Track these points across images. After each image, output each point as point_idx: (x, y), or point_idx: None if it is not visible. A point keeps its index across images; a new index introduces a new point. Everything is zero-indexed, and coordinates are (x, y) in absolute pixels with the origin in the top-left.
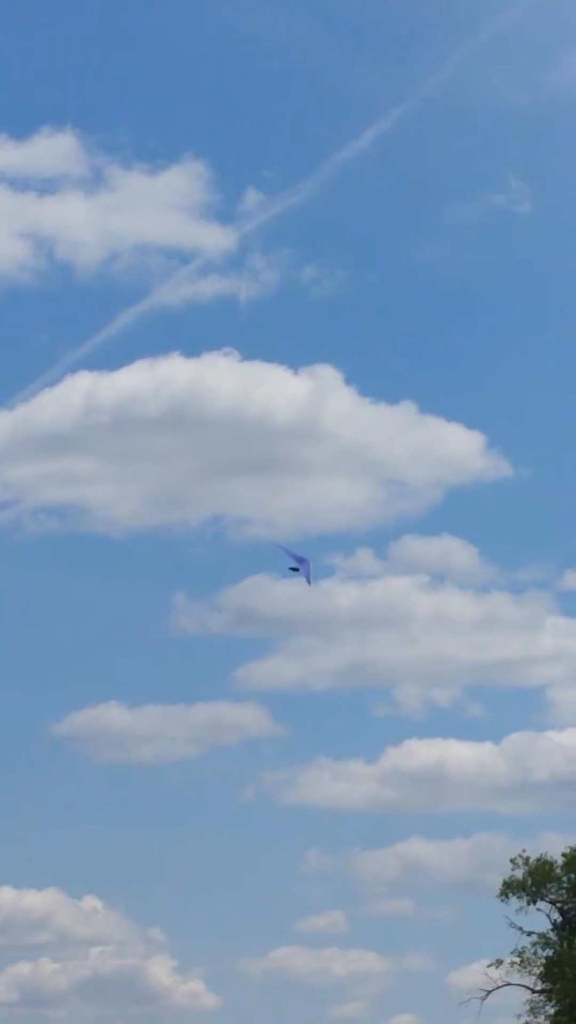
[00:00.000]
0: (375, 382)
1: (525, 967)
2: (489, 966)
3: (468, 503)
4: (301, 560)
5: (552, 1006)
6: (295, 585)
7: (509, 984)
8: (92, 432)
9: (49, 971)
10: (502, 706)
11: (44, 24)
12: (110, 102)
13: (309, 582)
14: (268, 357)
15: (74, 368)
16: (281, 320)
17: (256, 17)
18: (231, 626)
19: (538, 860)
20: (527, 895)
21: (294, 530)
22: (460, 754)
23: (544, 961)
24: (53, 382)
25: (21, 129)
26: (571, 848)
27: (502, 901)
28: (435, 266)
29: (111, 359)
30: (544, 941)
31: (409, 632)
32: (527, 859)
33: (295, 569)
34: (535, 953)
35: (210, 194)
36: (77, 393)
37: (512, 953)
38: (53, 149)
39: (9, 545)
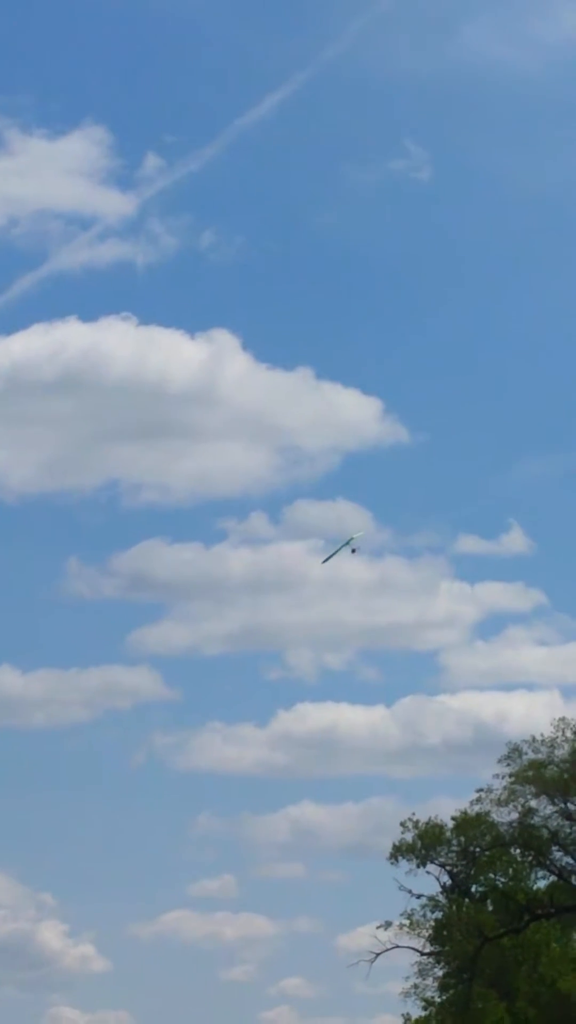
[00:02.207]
0: (272, 348)
1: (414, 929)
2: (378, 928)
3: (364, 469)
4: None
5: (440, 968)
6: (188, 550)
7: (398, 947)
8: None
9: None
10: (394, 670)
11: None
12: (10, 67)
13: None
14: (165, 322)
15: None
16: (179, 285)
17: None
18: (124, 591)
19: (428, 823)
20: (417, 858)
21: (189, 495)
22: (352, 718)
23: (433, 924)
24: None
25: None
26: (461, 812)
27: (392, 864)
28: (333, 232)
29: (7, 324)
30: (433, 904)
31: (302, 596)
32: (417, 822)
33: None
34: (424, 916)
35: (111, 159)
36: None
37: (401, 916)
38: None
39: None
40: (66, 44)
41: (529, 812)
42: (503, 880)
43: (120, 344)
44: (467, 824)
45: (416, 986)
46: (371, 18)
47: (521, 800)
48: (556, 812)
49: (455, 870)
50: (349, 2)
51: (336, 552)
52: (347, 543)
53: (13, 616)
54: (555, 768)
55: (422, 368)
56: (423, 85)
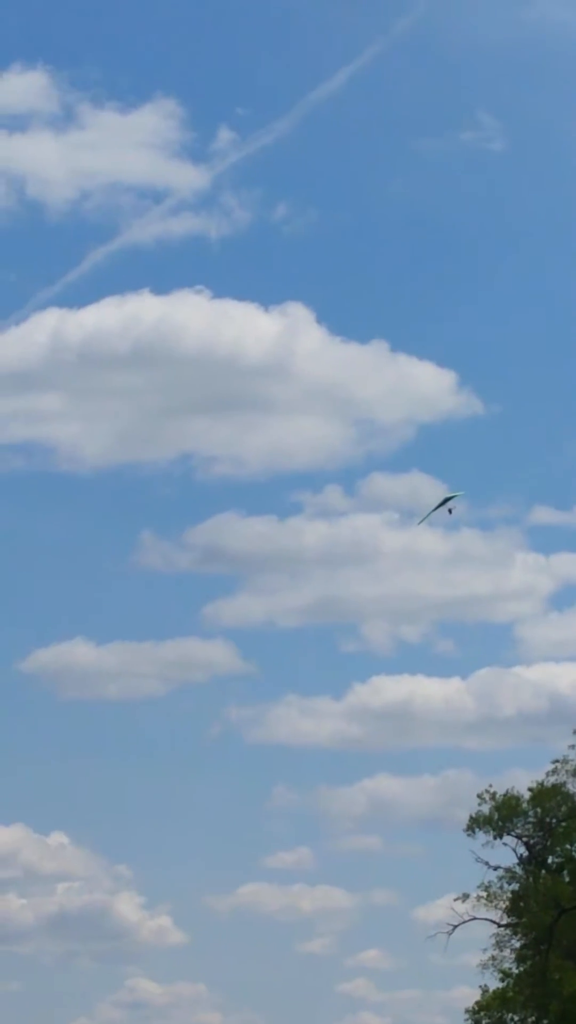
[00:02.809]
0: (346, 320)
1: (491, 901)
2: (455, 900)
3: (438, 441)
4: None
5: (517, 940)
6: (263, 522)
7: (475, 918)
8: (59, 369)
9: (16, 907)
10: (470, 642)
11: None
12: (82, 40)
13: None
14: (239, 295)
15: (44, 307)
16: (252, 258)
17: None
18: (199, 564)
19: (504, 795)
20: (493, 830)
21: (263, 468)
22: (428, 690)
23: (510, 895)
24: (20, 321)
25: None
26: (537, 783)
27: (469, 836)
28: (407, 204)
29: (81, 297)
30: (510, 875)
31: (377, 569)
32: (494, 794)
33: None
34: (501, 887)
35: (183, 133)
36: (44, 331)
37: (478, 887)
38: (24, 87)
39: None
40: (137, 17)
41: None
42: None
43: (193, 317)
44: (543, 795)
45: (493, 958)
46: None
47: None
48: None
49: (532, 841)
50: None
51: (433, 511)
52: (445, 501)
53: (88, 589)
54: None
55: (497, 340)
56: (495, 55)
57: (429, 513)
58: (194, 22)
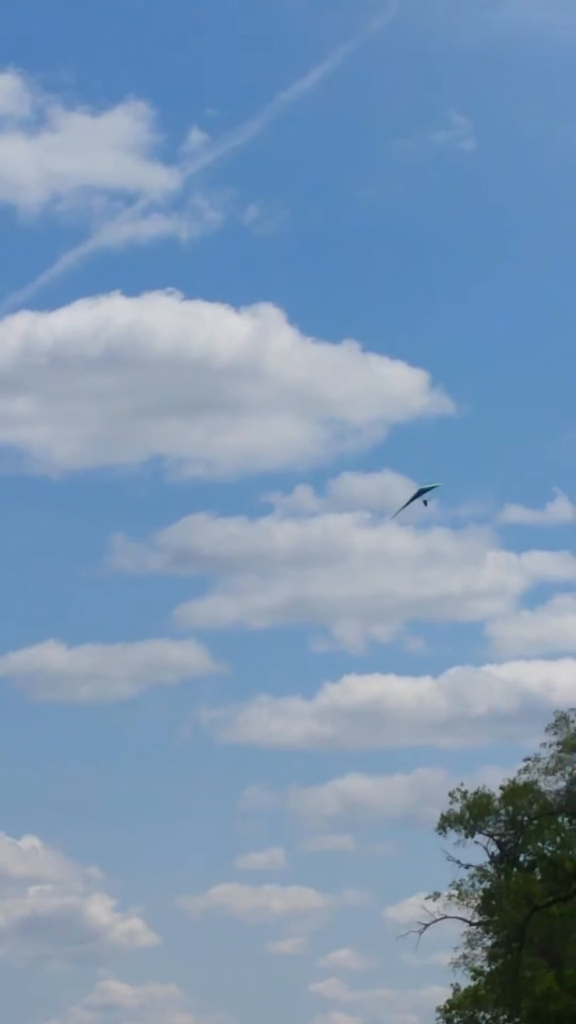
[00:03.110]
0: (317, 321)
1: (463, 900)
2: (427, 899)
3: (410, 440)
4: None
5: (489, 938)
6: (233, 523)
7: (447, 917)
8: (30, 373)
9: None
10: (441, 641)
11: None
12: (53, 42)
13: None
14: (210, 296)
15: (15, 310)
16: (223, 260)
17: None
18: (170, 565)
19: (476, 794)
20: (465, 828)
21: (234, 469)
22: (399, 689)
23: (481, 894)
24: None
25: None
26: (509, 781)
27: (440, 835)
28: (378, 204)
29: (52, 300)
30: (482, 874)
31: (348, 569)
32: (465, 793)
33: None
34: (472, 886)
35: (154, 134)
36: (15, 334)
37: (450, 886)
38: None
39: None
40: (106, 19)
41: None
42: (551, 848)
43: (164, 319)
44: (515, 793)
45: (465, 956)
46: None
47: (569, 768)
48: None
49: (503, 840)
50: None
51: (408, 503)
52: (421, 493)
53: (59, 591)
54: None
55: (468, 339)
56: (466, 55)
57: (404, 505)
58: (164, 24)
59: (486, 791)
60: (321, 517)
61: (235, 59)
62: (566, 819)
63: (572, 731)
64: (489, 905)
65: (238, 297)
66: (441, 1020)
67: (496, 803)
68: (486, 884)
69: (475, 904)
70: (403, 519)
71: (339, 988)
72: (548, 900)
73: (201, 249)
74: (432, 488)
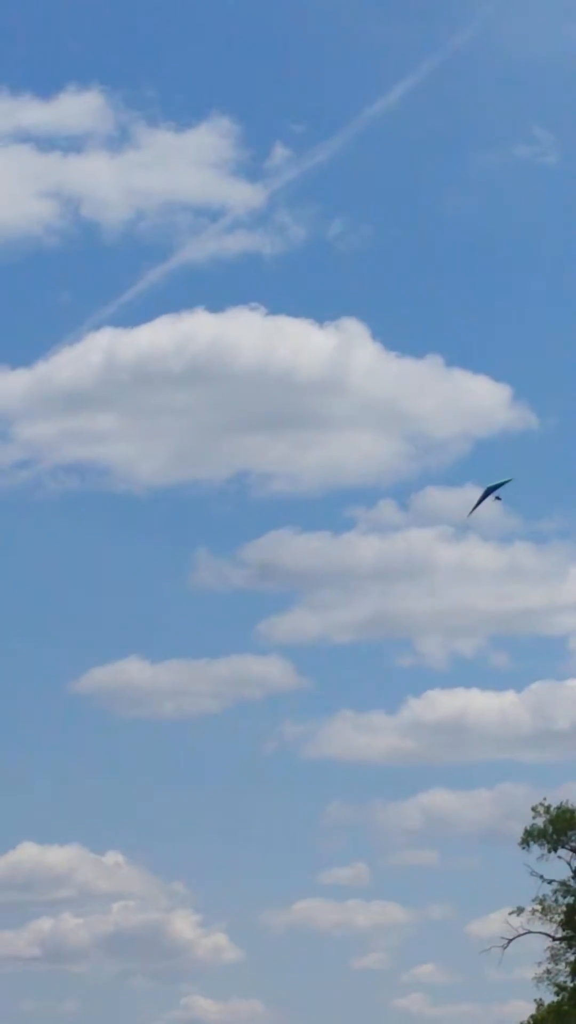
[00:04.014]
0: (401, 336)
1: (546, 915)
2: (510, 914)
3: (493, 455)
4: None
5: (573, 953)
6: (317, 538)
7: (530, 932)
8: (113, 389)
9: (71, 926)
10: (524, 655)
11: None
12: (137, 59)
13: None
14: (294, 312)
15: (99, 327)
16: (307, 275)
17: None
18: (253, 581)
19: (559, 808)
20: (548, 843)
21: (318, 485)
22: (482, 704)
23: (565, 909)
24: (75, 341)
25: (47, 87)
26: None
27: (523, 850)
28: (461, 219)
29: (137, 317)
30: (565, 889)
31: (432, 583)
32: (548, 807)
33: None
34: (556, 901)
35: (238, 151)
36: (98, 350)
37: (533, 901)
38: (79, 107)
39: (30, 504)
40: (191, 36)
41: None
42: None
43: (248, 334)
44: None
45: (548, 971)
46: (498, 3)
47: None
48: None
49: None
50: None
51: (481, 500)
52: (492, 489)
53: (142, 607)
54: None
55: (552, 354)
56: (549, 69)
57: (476, 504)
58: (248, 40)
59: (569, 806)
60: (404, 532)
61: (319, 75)
62: None
63: None
64: (573, 920)
65: (322, 312)
66: None
67: None
68: (569, 899)
69: (558, 919)
70: (486, 534)
71: (422, 1003)
72: None
73: (285, 264)
74: (503, 484)
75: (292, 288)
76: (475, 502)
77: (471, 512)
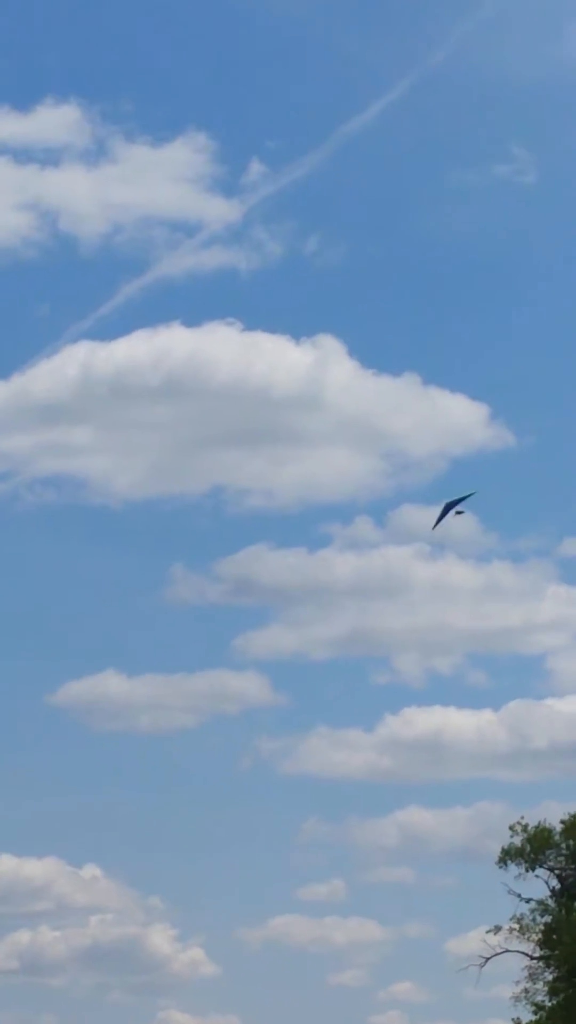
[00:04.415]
0: (378, 353)
1: (524, 934)
2: (488, 932)
3: (470, 474)
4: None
5: (550, 972)
6: (293, 555)
7: (508, 951)
8: (89, 402)
9: (49, 939)
10: (502, 674)
11: None
12: (114, 73)
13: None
14: (270, 327)
15: (76, 340)
16: (284, 291)
17: None
18: (229, 596)
19: (537, 827)
20: (526, 862)
21: (295, 500)
22: (459, 722)
23: (543, 928)
24: (52, 354)
25: (24, 100)
26: (570, 815)
27: (501, 868)
28: (439, 237)
29: (113, 331)
30: (543, 908)
31: (409, 601)
32: (526, 826)
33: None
34: (534, 920)
35: (214, 166)
36: (74, 363)
37: (511, 920)
38: (56, 121)
39: (6, 516)
40: (168, 50)
41: None
42: None
43: (225, 349)
44: None
45: (526, 990)
46: (475, 22)
47: None
48: None
49: (564, 874)
50: (454, 6)
51: (442, 517)
52: (457, 502)
53: (118, 621)
54: None
55: (529, 373)
56: (528, 88)
57: (438, 520)
58: (225, 56)
59: (547, 825)
60: (381, 549)
61: (296, 91)
62: None
63: None
64: (550, 939)
65: (298, 328)
66: None
67: (557, 837)
68: (547, 918)
69: (536, 938)
70: (463, 552)
71: (400, 1021)
72: None
73: (261, 280)
74: (465, 498)
75: (268, 304)
76: (437, 517)
77: (435, 526)
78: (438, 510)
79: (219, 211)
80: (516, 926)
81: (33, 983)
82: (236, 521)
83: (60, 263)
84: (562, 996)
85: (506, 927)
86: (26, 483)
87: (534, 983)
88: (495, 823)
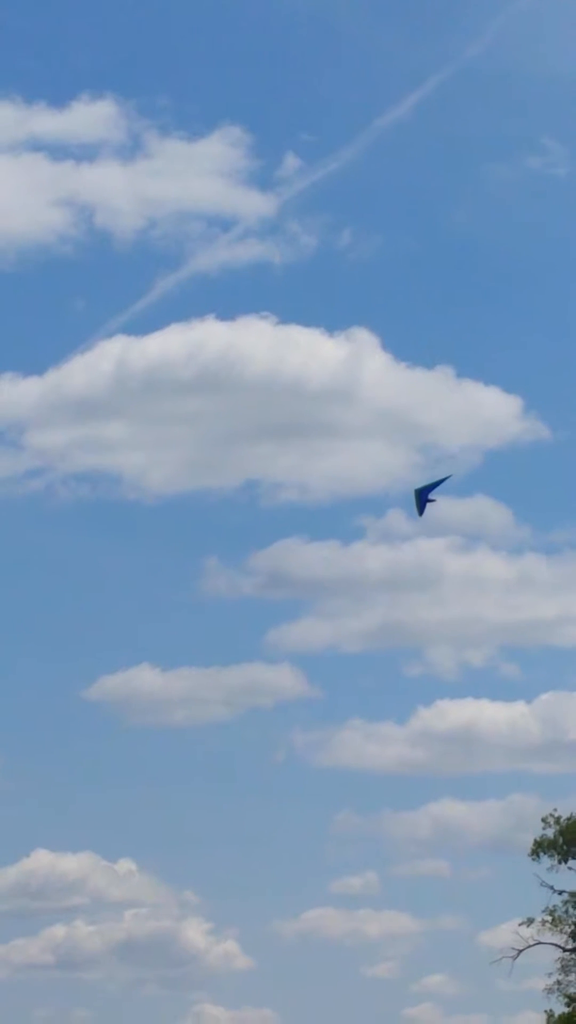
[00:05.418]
0: (411, 346)
1: (556, 926)
2: (520, 925)
3: (504, 466)
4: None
5: None
6: (326, 548)
7: (540, 943)
8: (124, 397)
9: (84, 934)
10: (534, 666)
11: None
12: (149, 69)
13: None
14: (304, 321)
15: (112, 335)
16: (318, 284)
17: None
18: (263, 589)
19: (569, 819)
20: (558, 854)
21: (328, 494)
22: (492, 714)
23: (575, 920)
24: (87, 349)
25: (60, 96)
26: None
27: (533, 860)
28: (472, 230)
29: (148, 325)
30: (575, 900)
31: (441, 593)
32: (558, 818)
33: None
34: (566, 912)
35: (249, 160)
36: (108, 358)
37: (543, 912)
38: (91, 116)
39: (41, 512)
40: (204, 45)
41: None
42: None
43: (259, 343)
44: None
45: (559, 982)
46: (510, 16)
47: None
48: None
49: None
50: (487, 1)
51: (423, 501)
52: (427, 491)
53: (152, 615)
54: None
55: (563, 365)
56: (561, 82)
57: (420, 506)
58: (260, 50)
59: None
60: (414, 541)
61: (330, 85)
62: None
63: None
64: None
65: (332, 322)
66: None
67: None
68: None
69: (569, 930)
70: (496, 545)
71: (433, 1013)
72: None
73: (296, 274)
74: (438, 483)
75: (302, 297)
76: (498, 526)
77: (420, 514)
78: (472, 503)
79: (254, 205)
80: (549, 918)
81: (68, 978)
82: (269, 514)
83: (96, 258)
84: None
85: (539, 919)
86: (60, 479)
87: (567, 975)
88: (528, 815)
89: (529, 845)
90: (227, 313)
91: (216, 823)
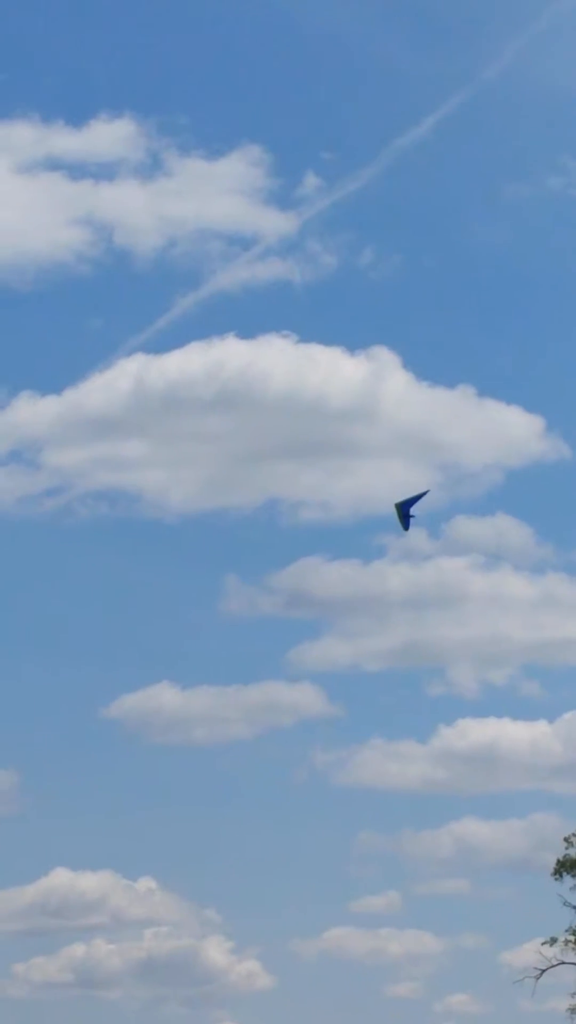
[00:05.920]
0: (432, 365)
1: None
2: (543, 944)
3: (526, 485)
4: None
5: None
6: (347, 567)
7: (563, 963)
8: (143, 415)
9: (104, 952)
10: (557, 685)
11: (102, 10)
12: (168, 88)
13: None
14: (325, 340)
15: (131, 353)
16: (338, 303)
17: (315, 3)
18: (283, 608)
19: None
20: None
21: (349, 512)
22: (514, 733)
23: None
24: (106, 368)
25: (79, 115)
26: None
27: (556, 880)
28: (493, 249)
29: (168, 344)
30: None
31: (463, 612)
32: None
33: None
34: None
35: (269, 179)
36: (128, 377)
37: (566, 931)
38: (110, 135)
39: (61, 530)
40: (224, 64)
41: None
42: None
43: (279, 361)
44: None
45: None
46: (529, 36)
47: None
48: None
49: None
50: (508, 20)
51: (405, 516)
52: (410, 502)
53: (173, 633)
54: None
55: None
56: None
57: (404, 521)
58: (280, 69)
59: None
60: (435, 560)
61: (350, 104)
62: None
63: None
64: None
65: (353, 340)
66: None
67: None
68: None
69: None
70: (518, 564)
71: None
72: None
73: (316, 292)
74: (418, 498)
75: (323, 316)
76: (519, 545)
77: (406, 528)
78: (493, 521)
79: (274, 224)
80: (572, 938)
81: (88, 996)
82: (290, 533)
83: (115, 277)
84: None
85: (562, 939)
86: (79, 497)
87: None
88: (550, 835)
89: (551, 864)
90: (247, 332)
91: (237, 842)
